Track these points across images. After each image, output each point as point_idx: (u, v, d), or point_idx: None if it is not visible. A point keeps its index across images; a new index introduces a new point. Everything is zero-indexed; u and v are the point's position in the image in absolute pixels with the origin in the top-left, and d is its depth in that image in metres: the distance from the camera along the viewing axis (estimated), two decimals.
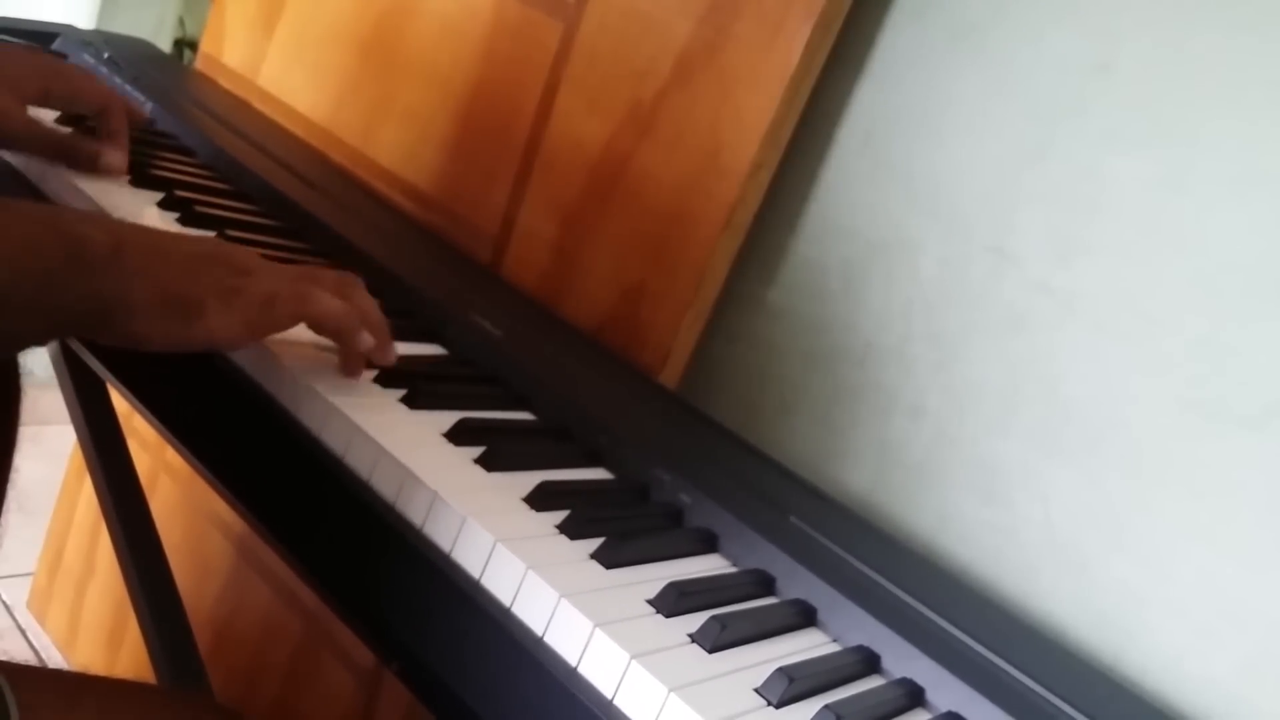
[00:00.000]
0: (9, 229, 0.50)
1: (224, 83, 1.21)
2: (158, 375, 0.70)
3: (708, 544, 0.61)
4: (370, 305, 0.62)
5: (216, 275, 0.56)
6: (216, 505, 1.20)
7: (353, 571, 0.55)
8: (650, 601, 0.52)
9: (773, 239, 0.83)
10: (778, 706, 0.48)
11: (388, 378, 0.65)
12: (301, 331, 0.61)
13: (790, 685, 0.49)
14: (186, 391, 0.68)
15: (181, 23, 1.47)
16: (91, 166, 0.76)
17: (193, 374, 0.66)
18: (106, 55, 1.10)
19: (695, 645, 0.50)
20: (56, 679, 0.75)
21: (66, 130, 0.78)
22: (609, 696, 0.47)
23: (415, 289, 0.78)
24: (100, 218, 0.57)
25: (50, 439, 1.38)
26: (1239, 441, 0.64)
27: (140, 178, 0.84)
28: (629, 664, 0.47)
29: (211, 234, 0.75)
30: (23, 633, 1.47)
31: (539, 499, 0.57)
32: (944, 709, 0.54)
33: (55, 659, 1.43)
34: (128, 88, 1.04)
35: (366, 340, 0.61)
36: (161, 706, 0.78)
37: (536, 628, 0.49)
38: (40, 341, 0.53)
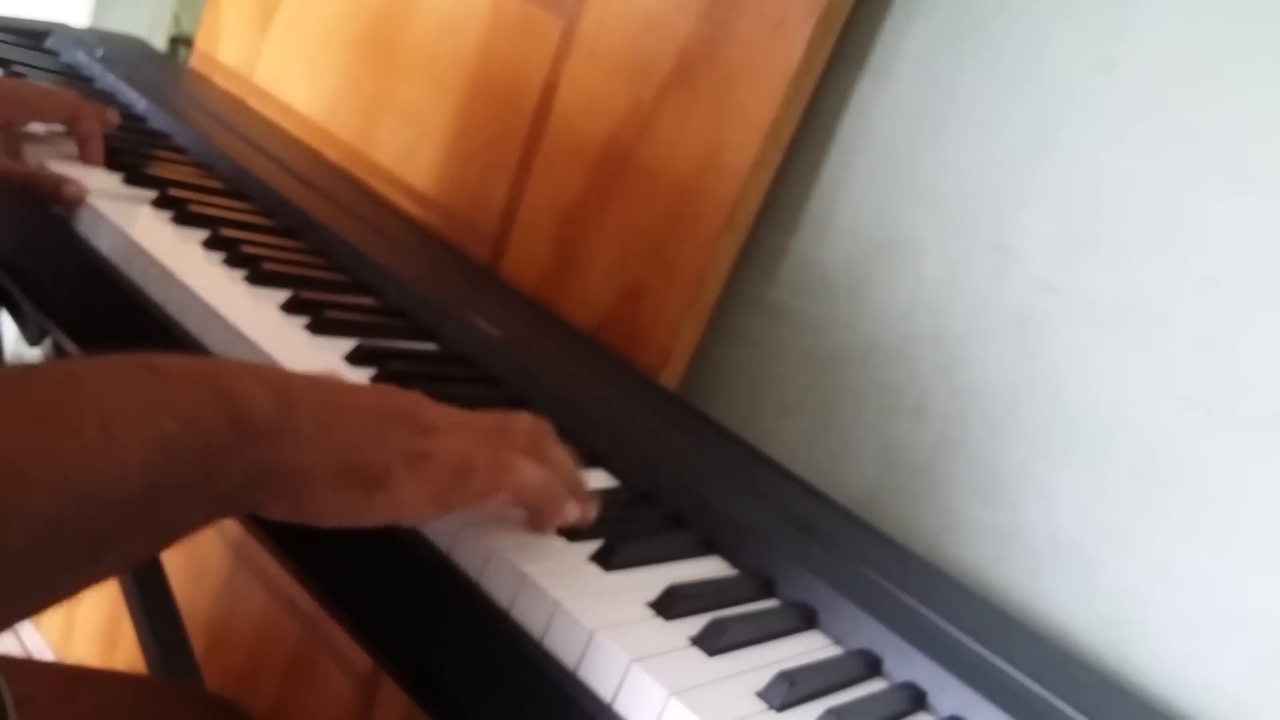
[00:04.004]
0: (169, 399, 0.41)
1: (219, 80, 1.20)
2: None
3: (708, 547, 0.60)
4: (566, 463, 0.53)
5: (401, 436, 0.47)
6: None
7: (348, 569, 0.54)
8: (650, 604, 0.52)
9: (774, 238, 0.83)
10: (779, 710, 0.48)
11: (385, 378, 0.65)
12: None
13: (792, 689, 0.48)
14: None
15: (177, 19, 1.46)
16: (56, 197, 0.75)
17: None
18: (100, 53, 1.09)
19: (696, 648, 0.50)
20: (52, 672, 0.74)
21: (24, 166, 0.78)
22: (608, 700, 0.47)
23: (413, 289, 0.78)
24: (263, 371, 0.47)
25: None
26: (1244, 442, 0.64)
27: (134, 176, 0.83)
28: (629, 667, 0.46)
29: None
30: (16, 634, 1.47)
31: None
32: (947, 713, 0.53)
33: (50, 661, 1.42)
34: (121, 85, 1.03)
35: (571, 514, 0.52)
36: (156, 697, 0.78)
37: (535, 631, 0.49)
38: (196, 529, 0.43)
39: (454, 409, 0.51)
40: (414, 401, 0.50)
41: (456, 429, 0.49)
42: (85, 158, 0.82)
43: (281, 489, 0.44)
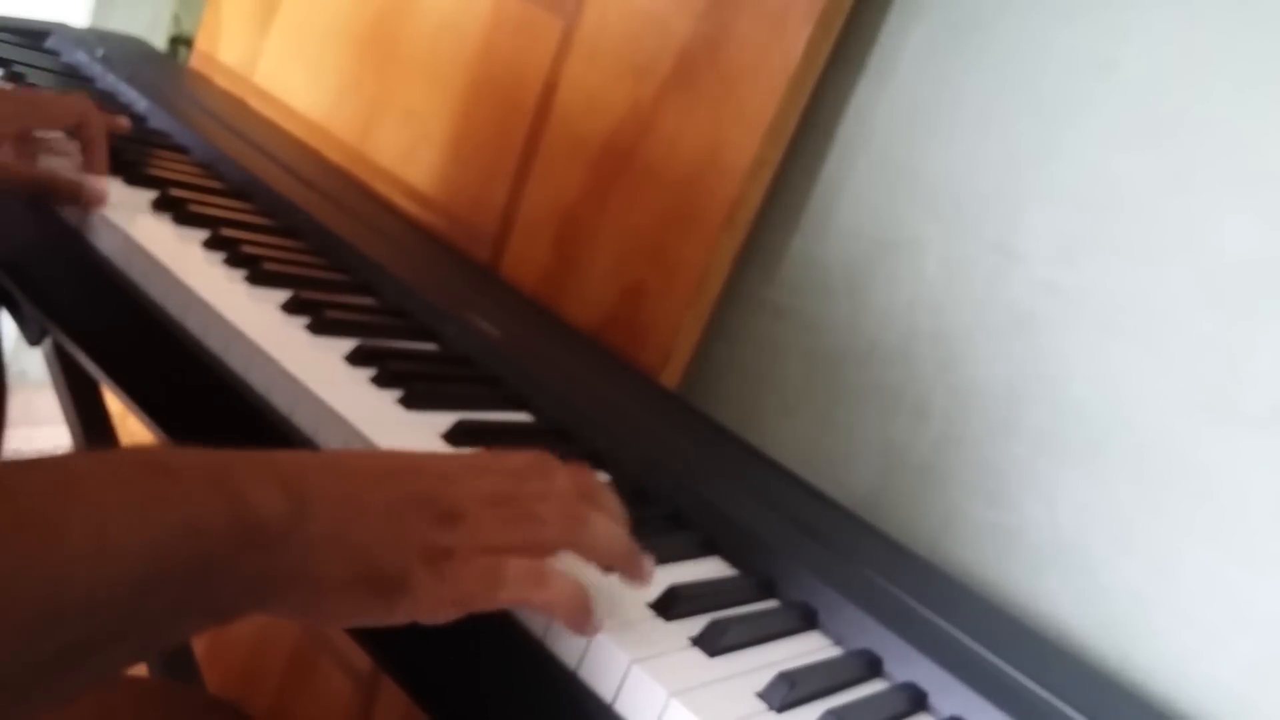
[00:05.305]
0: (170, 500, 0.38)
1: (220, 80, 1.20)
2: (150, 376, 0.69)
3: (708, 547, 0.60)
4: (608, 533, 0.48)
5: (423, 530, 0.43)
6: None
7: None
8: (651, 605, 0.51)
9: (774, 238, 0.83)
10: (779, 711, 0.48)
11: (385, 378, 0.65)
12: None
13: (791, 690, 0.48)
14: (177, 391, 0.67)
15: (177, 19, 1.46)
16: (74, 200, 0.75)
17: (175, 370, 0.65)
18: (100, 53, 1.09)
19: (696, 649, 0.50)
20: None
21: (43, 169, 0.78)
22: (609, 701, 0.47)
23: (413, 289, 0.78)
24: (280, 464, 0.43)
25: (44, 440, 1.37)
26: (1246, 442, 0.63)
27: (134, 176, 0.83)
28: (629, 668, 0.46)
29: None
30: None
31: None
32: (947, 714, 0.53)
33: None
34: (121, 85, 1.03)
35: (594, 629, 0.47)
36: (157, 700, 0.78)
37: (535, 631, 0.49)
38: (189, 636, 0.41)
39: (487, 468, 0.47)
40: (441, 477, 0.46)
41: (486, 511, 0.45)
42: (88, 165, 0.81)
43: (287, 594, 0.41)
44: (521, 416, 0.68)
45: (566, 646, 0.48)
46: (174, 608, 0.38)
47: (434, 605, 0.44)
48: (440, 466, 0.47)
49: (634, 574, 0.49)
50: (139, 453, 0.40)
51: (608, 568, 0.49)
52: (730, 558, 0.60)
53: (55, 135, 0.84)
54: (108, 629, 0.36)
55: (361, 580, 0.42)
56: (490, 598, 0.45)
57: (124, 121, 0.89)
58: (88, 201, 0.75)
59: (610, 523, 0.49)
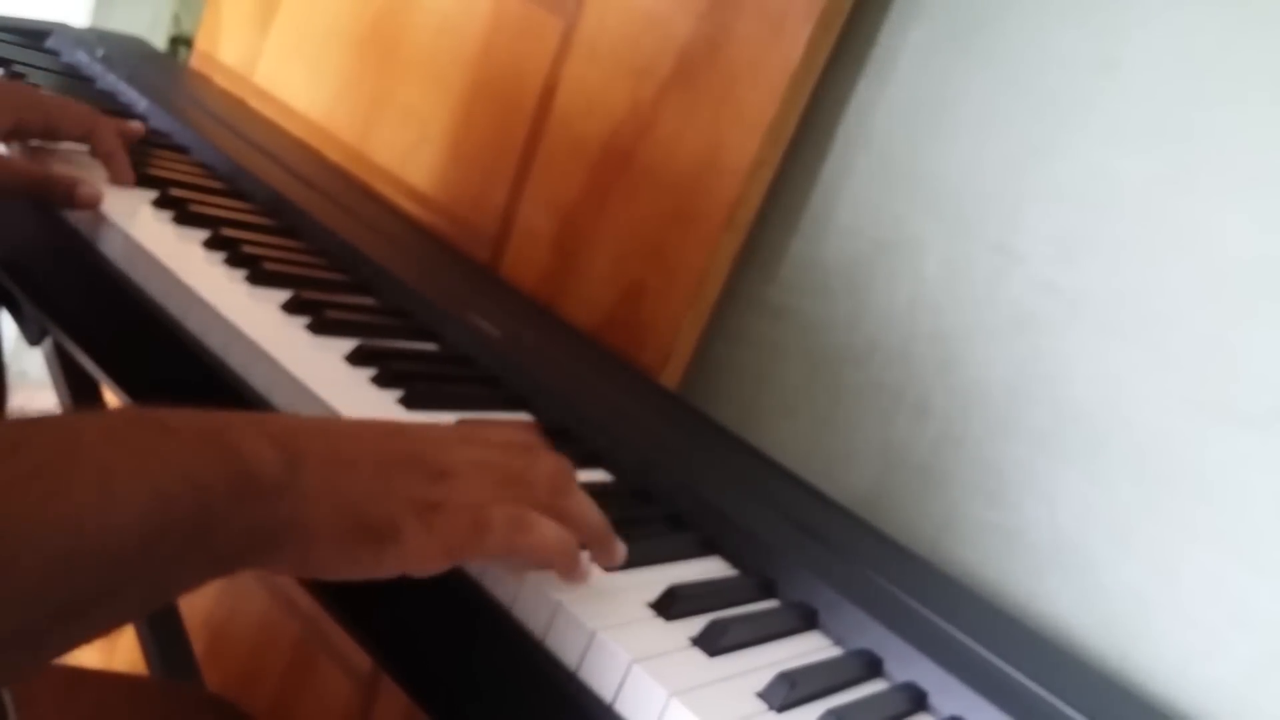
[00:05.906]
0: (170, 456, 0.40)
1: (220, 80, 1.20)
2: (150, 376, 0.69)
3: (709, 547, 0.60)
4: (587, 508, 0.51)
5: (412, 486, 0.46)
6: None
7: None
8: (651, 605, 0.52)
9: (775, 238, 0.83)
10: (780, 711, 0.48)
11: (386, 378, 0.65)
12: None
13: (792, 690, 0.48)
14: (178, 391, 0.67)
15: (177, 19, 1.46)
16: (69, 201, 0.73)
17: (175, 370, 0.65)
18: (101, 53, 1.09)
19: (696, 649, 0.50)
20: (53, 673, 0.75)
21: (38, 167, 0.76)
22: (609, 701, 0.47)
23: (413, 289, 0.78)
24: (271, 423, 0.45)
25: None
26: (1245, 442, 0.63)
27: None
28: (629, 668, 0.46)
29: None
30: None
31: None
32: (947, 714, 0.53)
33: None
34: (121, 85, 1.03)
35: (582, 575, 0.50)
36: (157, 698, 0.78)
37: (536, 631, 0.49)
38: (191, 589, 0.42)
39: (476, 439, 0.50)
40: (430, 441, 0.48)
41: (474, 472, 0.47)
42: (114, 178, 0.80)
43: (284, 546, 0.43)
44: (521, 416, 0.68)
45: (567, 646, 0.48)
46: (179, 558, 0.40)
47: (423, 555, 0.45)
48: (429, 432, 0.50)
49: (608, 552, 0.52)
50: (135, 411, 0.41)
51: (582, 543, 0.50)
52: (730, 558, 0.60)
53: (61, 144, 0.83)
54: (118, 578, 0.38)
55: (353, 531, 0.44)
56: (478, 545, 0.46)
57: (137, 125, 0.88)
58: (82, 203, 0.73)
59: (590, 500, 0.51)
